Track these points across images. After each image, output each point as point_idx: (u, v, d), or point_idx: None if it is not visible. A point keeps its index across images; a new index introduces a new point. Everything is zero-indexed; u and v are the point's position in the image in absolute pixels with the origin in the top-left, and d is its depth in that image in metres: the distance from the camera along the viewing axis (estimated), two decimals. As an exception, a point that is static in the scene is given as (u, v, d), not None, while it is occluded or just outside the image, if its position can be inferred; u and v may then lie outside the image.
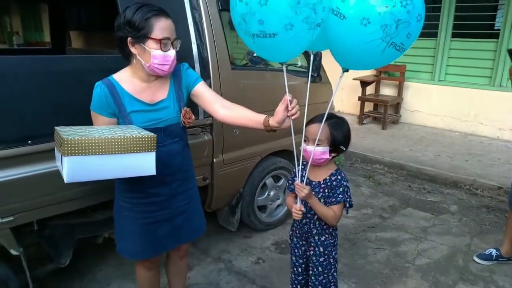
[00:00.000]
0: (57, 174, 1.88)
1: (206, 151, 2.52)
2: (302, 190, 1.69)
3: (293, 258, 1.99)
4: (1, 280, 1.91)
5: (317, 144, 1.71)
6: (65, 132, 1.45)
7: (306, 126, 1.77)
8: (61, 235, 2.22)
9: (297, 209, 1.73)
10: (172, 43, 1.63)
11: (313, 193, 1.78)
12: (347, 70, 1.61)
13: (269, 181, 3.11)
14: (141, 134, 1.48)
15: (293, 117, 1.59)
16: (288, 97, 1.57)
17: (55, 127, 1.56)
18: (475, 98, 5.71)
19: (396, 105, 6.44)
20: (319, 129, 1.68)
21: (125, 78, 1.69)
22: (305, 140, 1.76)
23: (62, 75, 1.87)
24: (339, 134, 1.75)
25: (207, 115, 2.44)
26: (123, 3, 1.96)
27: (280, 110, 1.59)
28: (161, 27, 1.59)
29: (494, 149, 5.22)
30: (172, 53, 1.63)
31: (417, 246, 3.11)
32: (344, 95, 6.71)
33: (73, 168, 1.37)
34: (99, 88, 1.64)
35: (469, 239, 3.22)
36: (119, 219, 1.85)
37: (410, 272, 2.78)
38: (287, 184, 1.95)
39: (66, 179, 1.39)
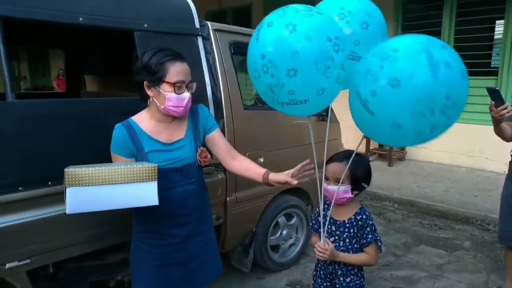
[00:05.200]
0: (74, 215, 1.90)
1: (220, 190, 2.53)
2: (325, 252, 1.67)
3: None
4: None
5: (339, 182, 1.71)
6: (72, 167, 1.49)
7: (326, 165, 1.79)
8: (75, 278, 2.19)
9: (321, 247, 1.71)
10: (186, 86, 1.67)
11: (338, 232, 1.76)
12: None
13: (281, 219, 3.09)
14: (142, 164, 1.50)
15: (298, 180, 1.67)
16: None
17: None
18: (479, 134, 5.75)
19: (401, 141, 6.49)
20: (340, 168, 1.69)
21: (143, 120, 1.74)
22: (326, 179, 1.76)
23: (82, 117, 1.93)
24: (360, 172, 1.75)
25: (221, 154, 2.48)
26: (142, 48, 2.06)
27: (289, 172, 1.67)
28: (176, 71, 1.63)
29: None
30: (186, 95, 1.66)
31: (434, 284, 3.05)
32: (350, 133, 6.76)
33: (74, 199, 1.41)
34: (118, 130, 1.69)
35: (485, 276, 3.16)
36: (134, 259, 1.83)
37: (429, 311, 2.71)
38: (311, 224, 1.93)
39: (68, 210, 1.41)
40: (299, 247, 3.30)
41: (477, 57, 6.03)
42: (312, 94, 1.34)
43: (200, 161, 1.79)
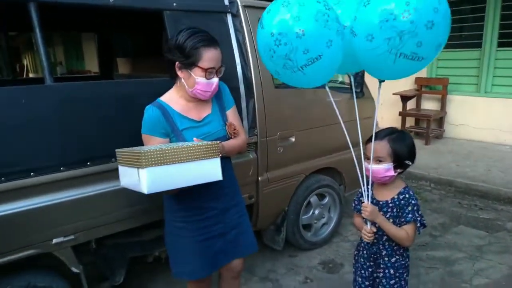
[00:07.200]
0: (114, 193, 1.96)
1: (252, 170, 2.53)
2: (365, 208, 1.66)
3: (359, 280, 1.89)
4: None
5: (380, 161, 1.67)
6: (133, 149, 1.54)
7: (366, 144, 1.74)
8: (115, 254, 2.30)
9: (367, 231, 1.69)
10: (216, 71, 1.72)
11: (382, 212, 1.72)
12: (383, 81, 1.66)
13: (313, 199, 3.07)
14: (205, 142, 1.57)
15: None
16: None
17: (116, 150, 1.66)
18: (526, 110, 5.44)
19: (439, 119, 6.25)
20: (380, 147, 1.65)
21: (172, 99, 1.78)
22: (367, 159, 1.71)
23: (116, 98, 1.97)
24: (402, 149, 1.68)
25: (252, 133, 2.47)
26: (171, 27, 2.05)
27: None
28: (209, 57, 1.67)
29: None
30: (215, 80, 1.72)
31: (473, 265, 2.95)
32: (384, 110, 6.59)
33: (152, 179, 1.45)
34: (150, 110, 1.72)
35: (530, 258, 3.03)
36: (174, 241, 1.88)
37: (468, 293, 2.64)
38: (353, 204, 1.90)
39: (146, 190, 1.44)
40: (331, 226, 3.28)
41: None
42: (323, 47, 1.52)
43: (230, 134, 1.84)
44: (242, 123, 2.27)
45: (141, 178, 1.44)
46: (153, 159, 1.43)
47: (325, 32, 1.50)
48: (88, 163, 1.88)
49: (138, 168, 1.45)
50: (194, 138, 1.68)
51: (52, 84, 1.78)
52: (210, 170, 1.56)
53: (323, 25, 1.49)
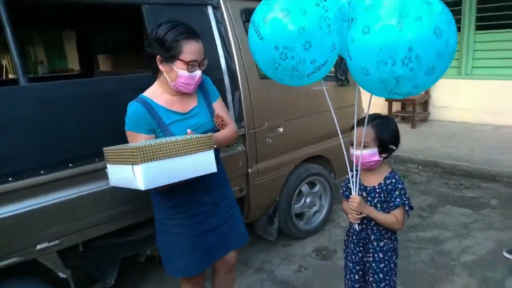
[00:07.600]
0: (99, 194, 1.91)
1: (241, 162, 2.53)
2: (353, 200, 1.68)
3: (350, 265, 1.92)
4: None
5: (365, 147, 1.68)
6: (123, 146, 1.51)
7: (350, 130, 1.75)
8: (105, 255, 2.25)
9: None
10: (199, 64, 1.69)
11: (369, 198, 1.75)
12: None
13: (304, 188, 3.09)
14: (197, 135, 1.55)
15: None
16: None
17: (104, 148, 1.61)
18: (505, 90, 5.55)
19: (424, 103, 6.35)
20: (364, 132, 1.65)
21: (155, 94, 1.75)
22: (352, 145, 1.73)
23: (95, 96, 1.92)
24: (385, 134, 1.71)
25: (240, 126, 2.46)
26: (151, 21, 2.02)
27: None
28: (191, 50, 1.64)
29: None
30: (198, 73, 1.69)
31: (461, 243, 3.03)
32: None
33: (149, 174, 1.41)
34: (134, 106, 1.68)
35: (514, 233, 3.11)
36: (166, 240, 1.85)
37: (457, 270, 2.70)
38: (342, 190, 1.92)
39: (144, 186, 1.41)
40: (323, 214, 3.31)
41: (503, 9, 5.72)
42: (328, 53, 1.49)
43: (218, 125, 1.83)
44: None
45: (137, 174, 1.41)
46: (148, 154, 1.40)
47: (329, 39, 1.46)
48: (70, 165, 1.83)
49: (132, 164, 1.41)
50: (188, 130, 1.66)
51: (27, 84, 1.72)
52: (204, 163, 1.55)
53: (327, 32, 1.43)
